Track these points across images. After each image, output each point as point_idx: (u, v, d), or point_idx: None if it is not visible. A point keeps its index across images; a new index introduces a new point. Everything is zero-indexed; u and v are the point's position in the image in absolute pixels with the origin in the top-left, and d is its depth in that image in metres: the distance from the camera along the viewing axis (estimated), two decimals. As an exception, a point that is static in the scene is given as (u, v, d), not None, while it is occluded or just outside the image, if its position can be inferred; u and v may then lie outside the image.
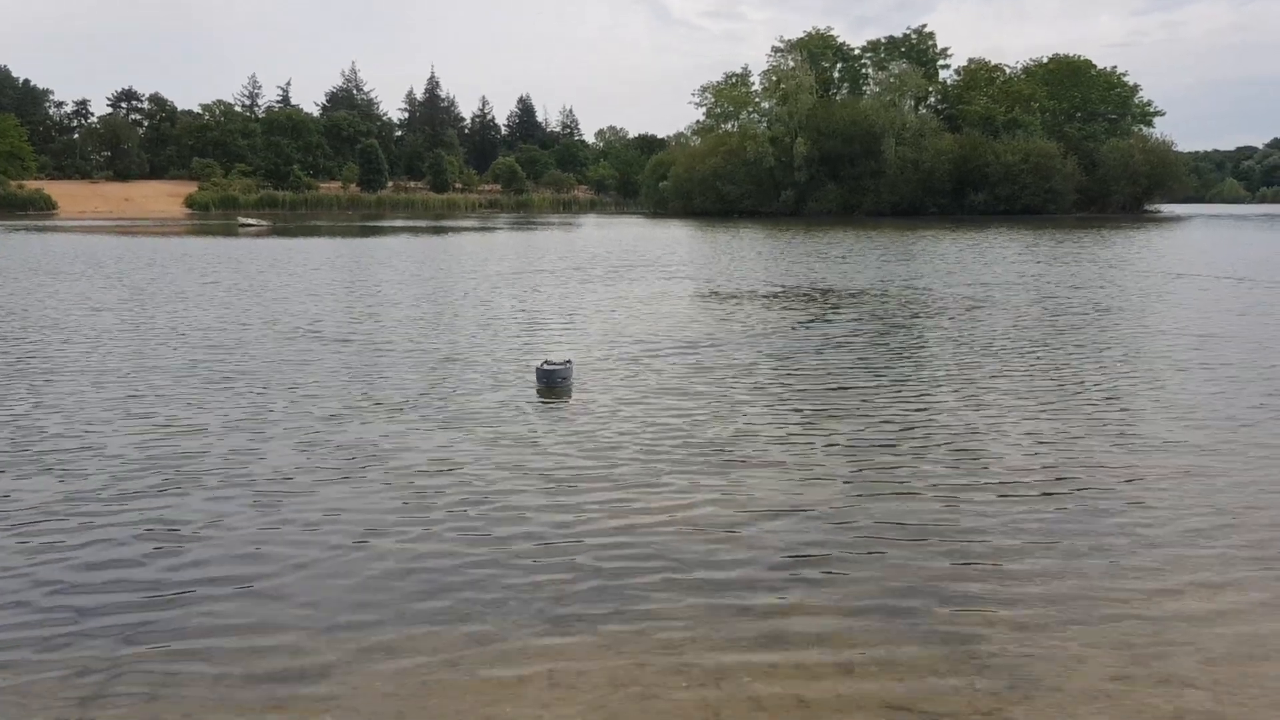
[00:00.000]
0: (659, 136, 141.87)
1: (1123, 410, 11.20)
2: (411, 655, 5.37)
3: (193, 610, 5.93)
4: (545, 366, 12.39)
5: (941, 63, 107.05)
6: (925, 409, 11.34)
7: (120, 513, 7.64)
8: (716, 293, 24.50)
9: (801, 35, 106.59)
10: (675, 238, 55.22)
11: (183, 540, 7.07)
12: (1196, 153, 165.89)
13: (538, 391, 12.00)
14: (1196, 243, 48.18)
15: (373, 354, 14.93)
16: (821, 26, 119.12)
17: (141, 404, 11.46)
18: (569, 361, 12.82)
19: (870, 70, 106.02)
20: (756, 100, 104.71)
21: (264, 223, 75.71)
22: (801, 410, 11.23)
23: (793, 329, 17.88)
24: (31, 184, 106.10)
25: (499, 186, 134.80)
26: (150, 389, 12.30)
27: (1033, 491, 8.18)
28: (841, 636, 5.58)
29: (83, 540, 7.05)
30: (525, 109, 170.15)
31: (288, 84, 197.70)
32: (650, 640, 5.52)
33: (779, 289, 25.45)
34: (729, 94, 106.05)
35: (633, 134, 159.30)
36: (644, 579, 6.32)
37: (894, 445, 9.68)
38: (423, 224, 78.58)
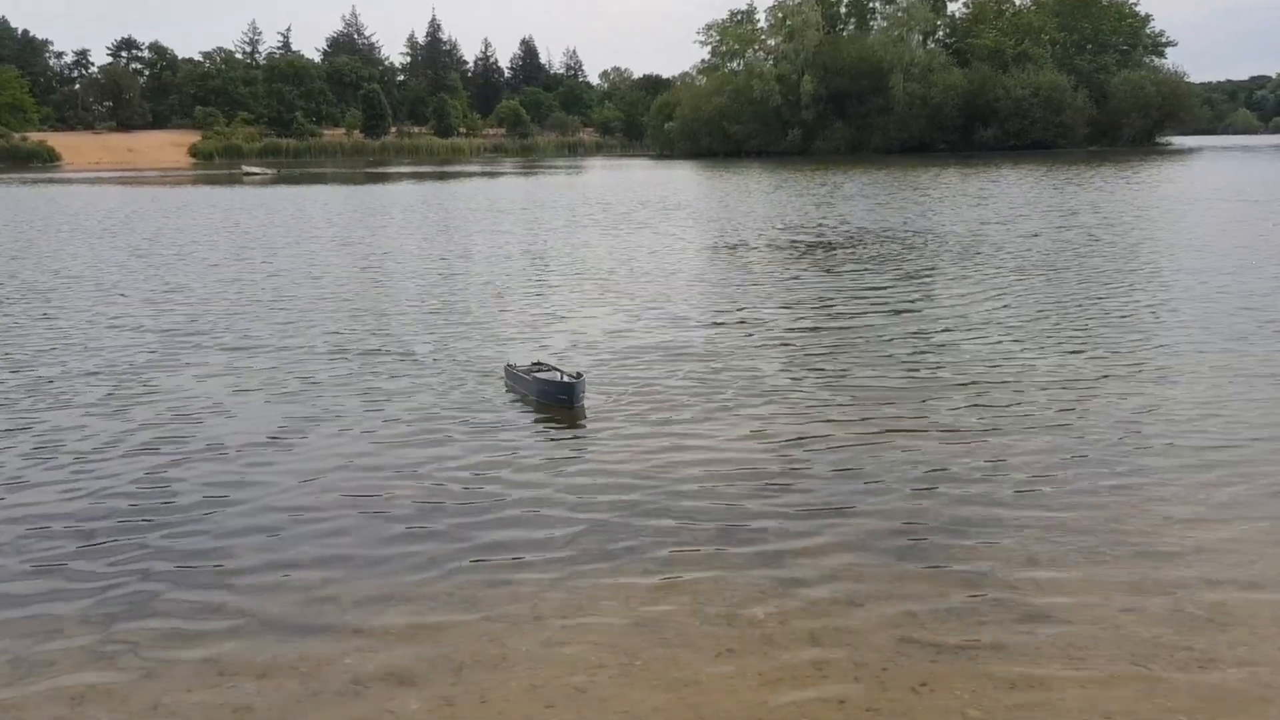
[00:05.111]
0: (664, 77, 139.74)
1: (1136, 345, 11.16)
2: (427, 597, 5.45)
3: (213, 555, 6.03)
4: (537, 373, 9.47)
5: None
6: (938, 348, 11.34)
7: (141, 466, 7.75)
8: (736, 244, 24.37)
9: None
10: (683, 180, 54.77)
11: (199, 487, 7.17)
12: (1209, 83, 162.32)
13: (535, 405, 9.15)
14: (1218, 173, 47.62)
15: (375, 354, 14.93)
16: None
17: (117, 369, 11.56)
18: (540, 362, 9.99)
19: (877, 5, 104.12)
20: (762, 38, 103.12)
21: (269, 171, 75.28)
22: (808, 350, 11.25)
23: (799, 277, 17.82)
24: (35, 136, 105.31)
25: (503, 130, 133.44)
26: (139, 355, 12.40)
27: (1043, 427, 8.19)
28: (852, 572, 5.64)
29: (103, 484, 7.16)
30: (528, 51, 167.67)
31: (288, 30, 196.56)
32: (664, 581, 5.58)
33: (799, 237, 25.30)
34: (734, 32, 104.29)
35: (637, 75, 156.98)
36: (656, 523, 6.37)
37: (904, 385, 9.70)
38: (427, 169, 78.01)
